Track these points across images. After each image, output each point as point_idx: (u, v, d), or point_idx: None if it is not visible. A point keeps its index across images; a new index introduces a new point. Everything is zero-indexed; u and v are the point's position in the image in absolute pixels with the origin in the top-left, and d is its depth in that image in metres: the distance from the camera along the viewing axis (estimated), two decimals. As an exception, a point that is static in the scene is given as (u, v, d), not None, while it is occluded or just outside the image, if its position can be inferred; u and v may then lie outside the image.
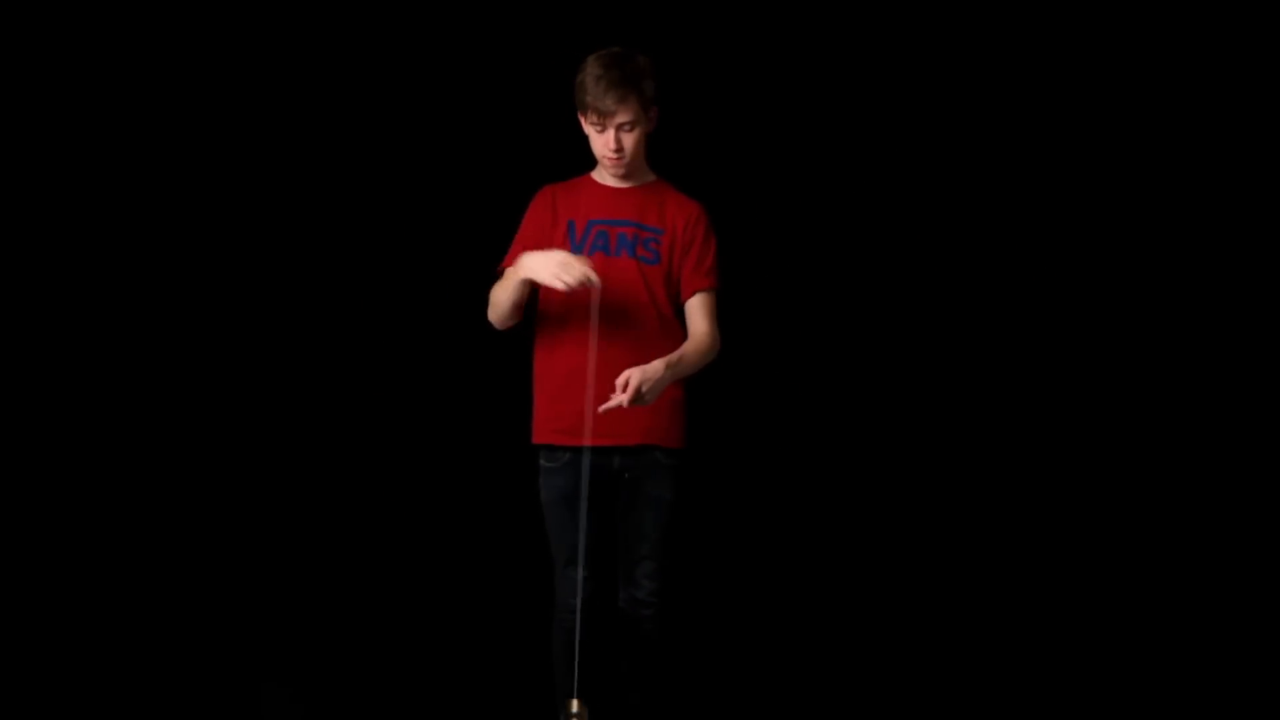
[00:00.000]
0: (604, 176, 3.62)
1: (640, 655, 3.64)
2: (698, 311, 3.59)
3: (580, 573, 3.57)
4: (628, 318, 3.54)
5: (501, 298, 3.55)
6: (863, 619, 4.65)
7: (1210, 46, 4.54)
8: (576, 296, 3.47)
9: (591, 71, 3.48)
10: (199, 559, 4.60)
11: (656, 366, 3.43)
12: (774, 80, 4.64)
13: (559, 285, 3.38)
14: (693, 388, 3.62)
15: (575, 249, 3.54)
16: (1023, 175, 4.65)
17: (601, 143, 3.52)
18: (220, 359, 4.61)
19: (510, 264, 3.59)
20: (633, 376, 3.40)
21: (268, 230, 4.62)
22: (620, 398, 3.40)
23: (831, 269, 4.69)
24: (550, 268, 3.39)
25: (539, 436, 3.61)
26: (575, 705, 3.50)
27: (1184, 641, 4.49)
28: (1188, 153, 4.58)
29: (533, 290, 3.56)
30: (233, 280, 4.62)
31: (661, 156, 3.67)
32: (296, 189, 4.62)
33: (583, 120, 3.56)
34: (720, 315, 3.61)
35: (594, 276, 3.38)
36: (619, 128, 3.49)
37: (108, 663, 4.36)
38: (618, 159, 3.53)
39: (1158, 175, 4.61)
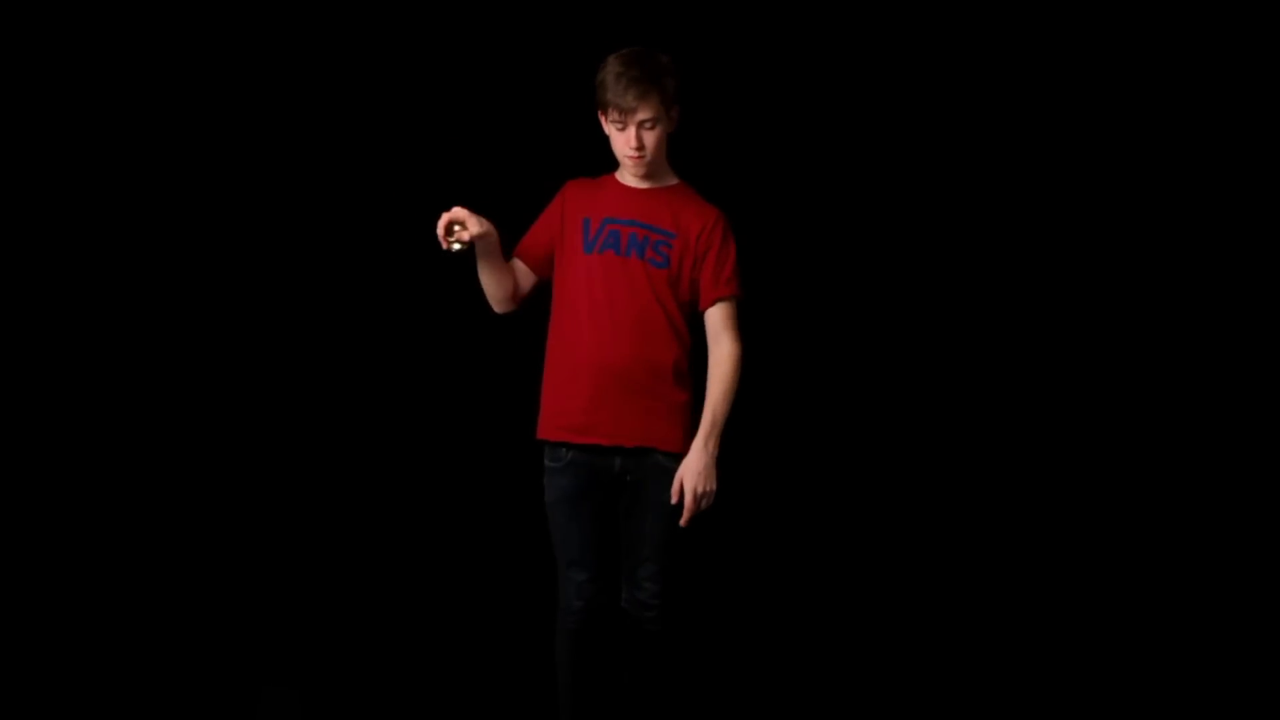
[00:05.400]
0: (625, 176, 3.61)
1: (643, 656, 3.64)
2: (719, 324, 3.56)
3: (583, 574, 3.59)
4: (634, 318, 3.53)
5: (481, 278, 3.61)
6: (863, 619, 4.65)
7: (1210, 47, 4.55)
8: (586, 290, 3.53)
9: (612, 69, 3.47)
10: (200, 559, 4.60)
11: (696, 458, 3.50)
12: (797, 82, 4.63)
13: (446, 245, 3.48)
14: (696, 391, 3.61)
15: (587, 245, 3.55)
16: (1045, 182, 4.63)
17: (623, 141, 3.50)
18: (221, 355, 4.62)
19: (519, 250, 3.63)
20: (685, 489, 3.49)
21: (274, 224, 4.62)
22: (684, 514, 3.50)
23: (838, 275, 4.69)
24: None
25: (543, 432, 3.60)
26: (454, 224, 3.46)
27: (1184, 642, 4.49)
28: (1188, 153, 4.59)
29: (540, 281, 3.62)
30: (236, 274, 4.62)
31: (684, 159, 3.66)
32: (304, 184, 4.62)
33: (603, 120, 3.54)
34: (739, 323, 3.58)
35: (451, 238, 3.46)
36: (640, 125, 3.47)
37: (108, 663, 4.35)
38: (639, 157, 3.51)
39: (1173, 181, 4.61)
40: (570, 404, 3.54)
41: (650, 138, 3.49)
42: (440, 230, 3.46)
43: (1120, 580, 4.62)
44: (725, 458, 3.55)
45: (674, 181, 3.63)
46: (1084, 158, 4.61)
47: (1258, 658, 4.41)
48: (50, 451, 4.55)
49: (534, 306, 3.67)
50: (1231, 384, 4.60)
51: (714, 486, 3.53)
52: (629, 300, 3.52)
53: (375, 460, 4.67)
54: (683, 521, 3.52)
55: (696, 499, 3.50)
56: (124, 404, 4.59)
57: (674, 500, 3.51)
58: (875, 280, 4.68)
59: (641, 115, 3.47)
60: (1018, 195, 4.64)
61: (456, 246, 3.46)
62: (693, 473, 3.51)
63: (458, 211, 3.45)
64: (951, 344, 4.67)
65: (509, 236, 3.66)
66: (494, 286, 3.60)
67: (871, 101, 4.63)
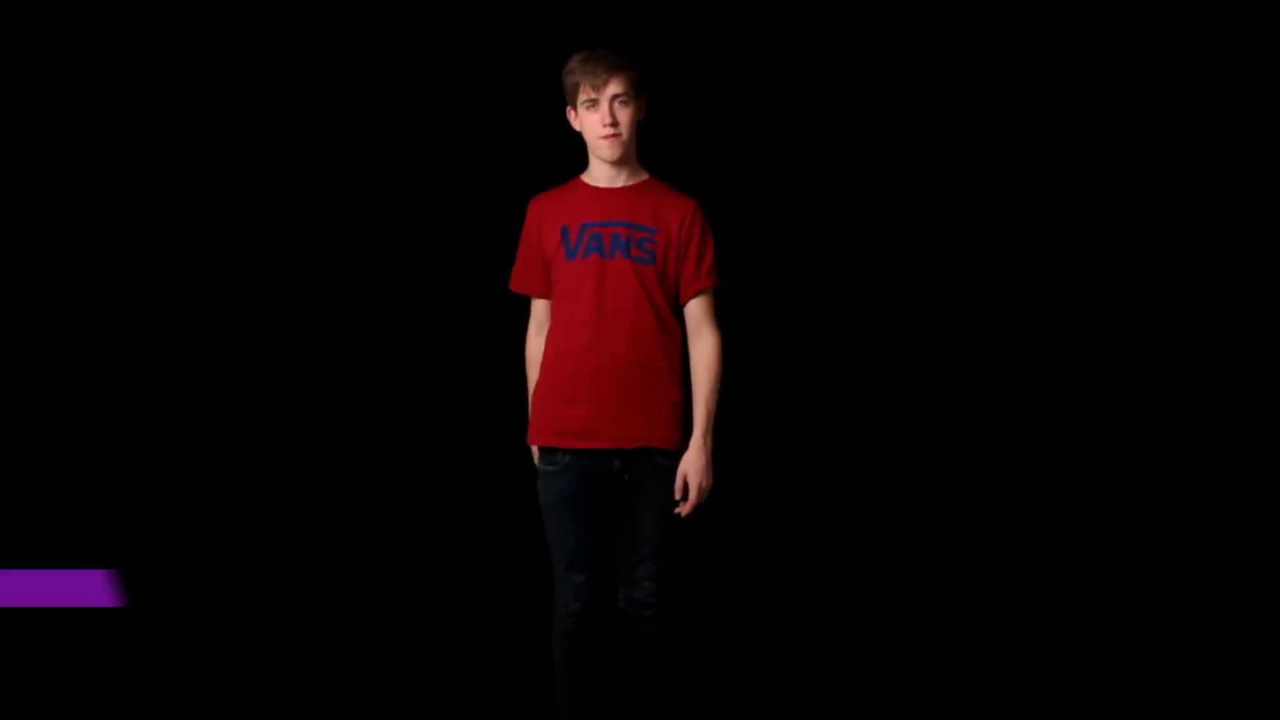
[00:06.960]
0: (595, 178, 3.59)
1: (640, 655, 3.63)
2: (700, 316, 3.57)
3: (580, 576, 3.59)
4: (627, 319, 3.52)
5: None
6: (863, 619, 4.65)
7: (1210, 47, 4.53)
8: (575, 296, 3.53)
9: (579, 57, 3.49)
10: (200, 560, 4.61)
11: (697, 454, 3.54)
12: (764, 77, 4.64)
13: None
14: (687, 385, 3.60)
15: (570, 253, 3.54)
16: (1018, 169, 4.65)
17: (596, 120, 3.48)
18: (221, 359, 4.63)
19: (516, 284, 3.63)
20: (690, 484, 3.52)
21: (268, 231, 4.63)
22: (687, 505, 3.54)
23: (827, 267, 4.69)
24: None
25: (536, 438, 3.60)
26: None
27: (1184, 642, 4.49)
28: (1188, 153, 4.58)
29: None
30: (232, 281, 4.63)
31: (653, 156, 3.66)
32: (296, 191, 4.64)
33: (572, 116, 3.54)
34: (718, 313, 3.60)
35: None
36: (613, 100, 3.47)
37: (110, 660, 4.37)
38: (615, 135, 3.48)
39: (1158, 175, 4.60)
40: (570, 410, 3.54)
41: (624, 114, 3.48)
42: None
43: (1117, 577, 4.63)
44: (718, 454, 3.57)
45: (645, 177, 3.61)
46: (1058, 139, 4.63)
47: (1258, 658, 4.41)
48: (52, 451, 4.56)
49: (518, 311, 3.67)
50: (1229, 383, 4.60)
51: (712, 481, 3.56)
52: (619, 301, 3.52)
53: (375, 462, 4.68)
54: (685, 512, 3.54)
55: (701, 494, 3.53)
56: (127, 407, 4.60)
57: (678, 496, 3.53)
58: (849, 274, 4.69)
59: (613, 89, 3.46)
60: (998, 182, 4.65)
61: None
62: (696, 469, 3.53)
63: None
64: (931, 332, 4.68)
65: (496, 244, 3.66)
66: None
67: (843, 91, 4.64)
